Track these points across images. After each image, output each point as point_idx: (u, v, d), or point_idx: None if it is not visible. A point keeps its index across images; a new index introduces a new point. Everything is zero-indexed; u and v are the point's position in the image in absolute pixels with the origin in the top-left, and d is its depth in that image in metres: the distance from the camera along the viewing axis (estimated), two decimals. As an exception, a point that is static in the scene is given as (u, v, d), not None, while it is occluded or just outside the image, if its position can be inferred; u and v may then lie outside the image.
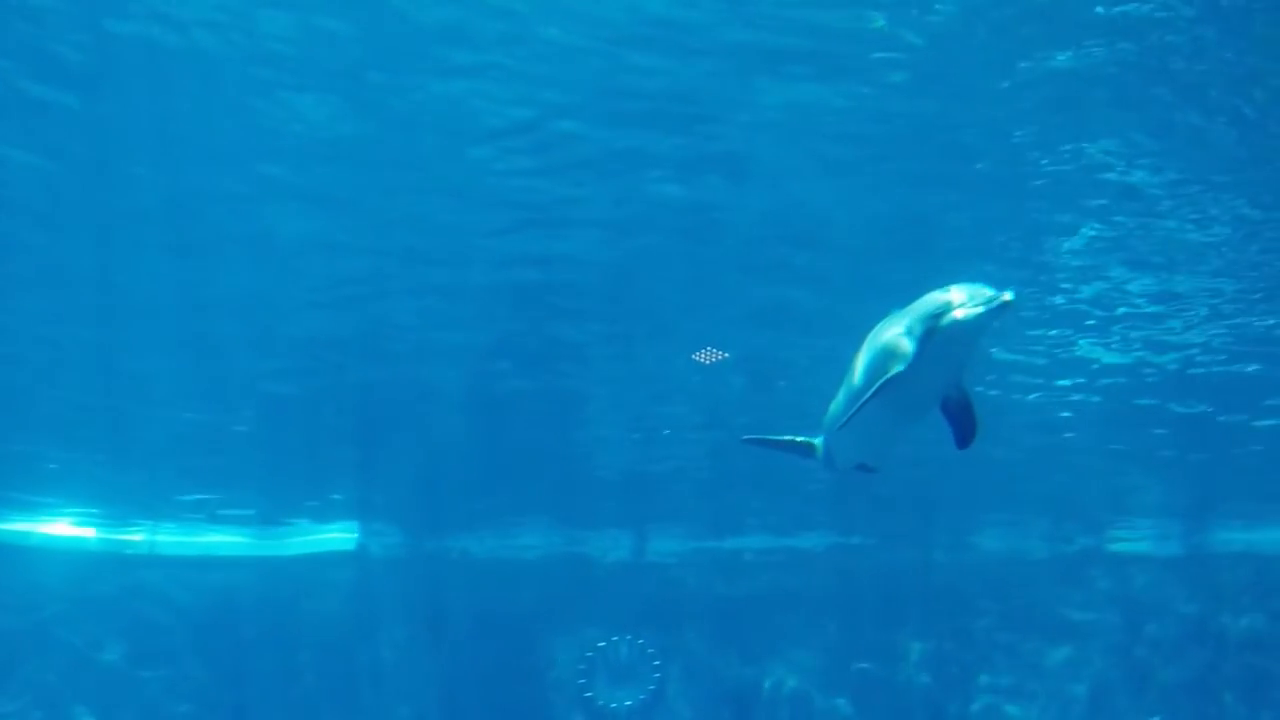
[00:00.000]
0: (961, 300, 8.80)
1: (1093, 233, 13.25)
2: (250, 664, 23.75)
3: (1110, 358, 16.37)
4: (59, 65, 10.58)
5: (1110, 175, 12.14)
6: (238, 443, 19.51)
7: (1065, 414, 18.22)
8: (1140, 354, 16.24)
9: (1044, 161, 11.93)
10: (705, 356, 17.25)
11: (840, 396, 10.40)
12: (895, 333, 9.28)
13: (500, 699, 23.98)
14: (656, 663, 24.26)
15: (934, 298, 9.05)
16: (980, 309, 8.68)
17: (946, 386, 9.38)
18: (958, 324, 8.77)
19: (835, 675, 24.47)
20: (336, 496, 22.74)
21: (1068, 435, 18.95)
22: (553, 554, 24.91)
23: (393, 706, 24.19)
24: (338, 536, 24.55)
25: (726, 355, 17.12)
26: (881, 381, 9.16)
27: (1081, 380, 17.06)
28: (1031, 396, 17.65)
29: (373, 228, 13.33)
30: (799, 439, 12.01)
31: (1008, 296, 8.66)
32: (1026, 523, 23.85)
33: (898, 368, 9.14)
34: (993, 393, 17.12)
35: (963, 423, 9.52)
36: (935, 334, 8.89)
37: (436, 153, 12.01)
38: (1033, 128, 11.44)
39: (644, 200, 12.75)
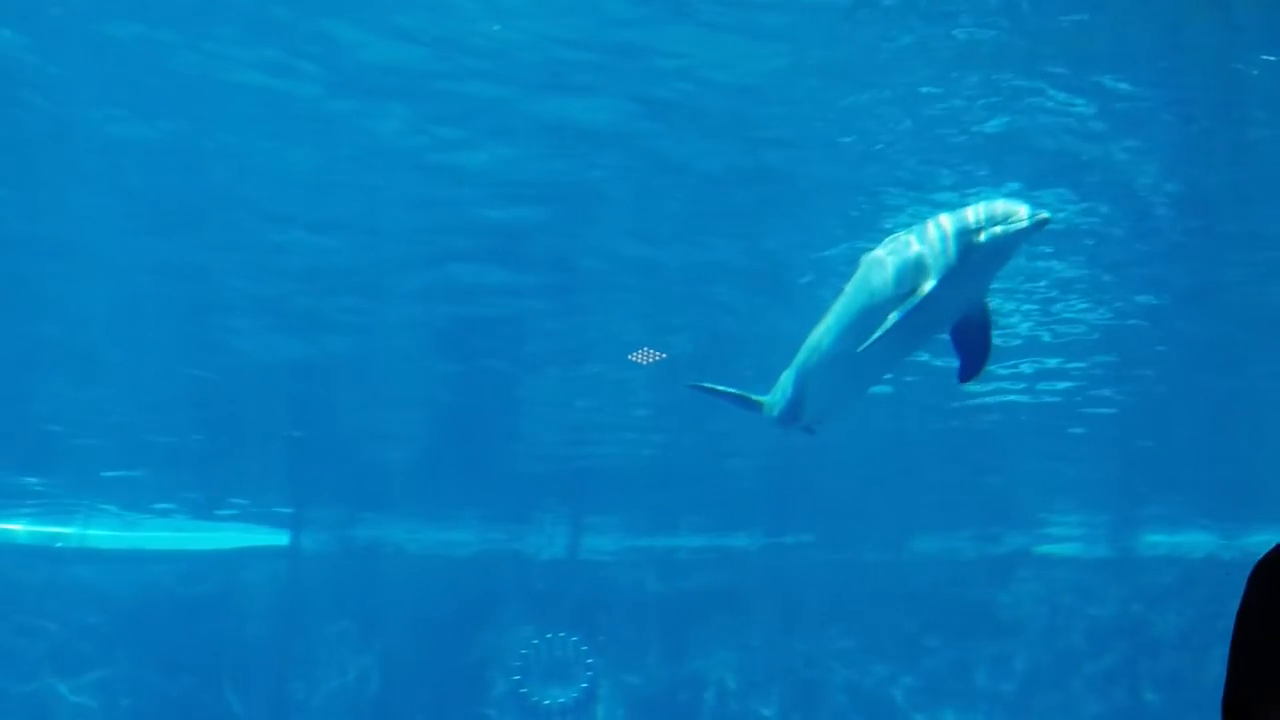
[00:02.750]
0: (999, 215, 8.70)
1: None
2: (179, 660, 23.58)
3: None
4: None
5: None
6: (166, 434, 19.33)
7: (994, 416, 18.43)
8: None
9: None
10: (642, 357, 17.30)
11: (830, 329, 10.14)
12: (922, 249, 9.10)
13: (434, 696, 23.95)
14: (590, 660, 24.32)
15: (967, 213, 8.92)
16: (1020, 225, 8.58)
17: (967, 307, 9.20)
18: (996, 239, 8.65)
19: (768, 674, 24.63)
20: (269, 491, 22.61)
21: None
22: (487, 551, 24.90)
23: (325, 703, 24.09)
24: (269, 531, 24.41)
25: (664, 355, 17.17)
26: (918, 298, 8.92)
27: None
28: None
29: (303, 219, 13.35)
30: (747, 394, 11.95)
31: (1045, 215, 8.60)
32: (957, 524, 24.14)
33: (930, 284, 8.96)
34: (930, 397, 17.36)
35: (977, 347, 9.35)
36: (972, 250, 8.75)
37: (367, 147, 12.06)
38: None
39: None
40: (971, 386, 17.18)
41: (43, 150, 11.85)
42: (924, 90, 10.66)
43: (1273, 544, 2.31)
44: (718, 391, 12.72)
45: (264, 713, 23.80)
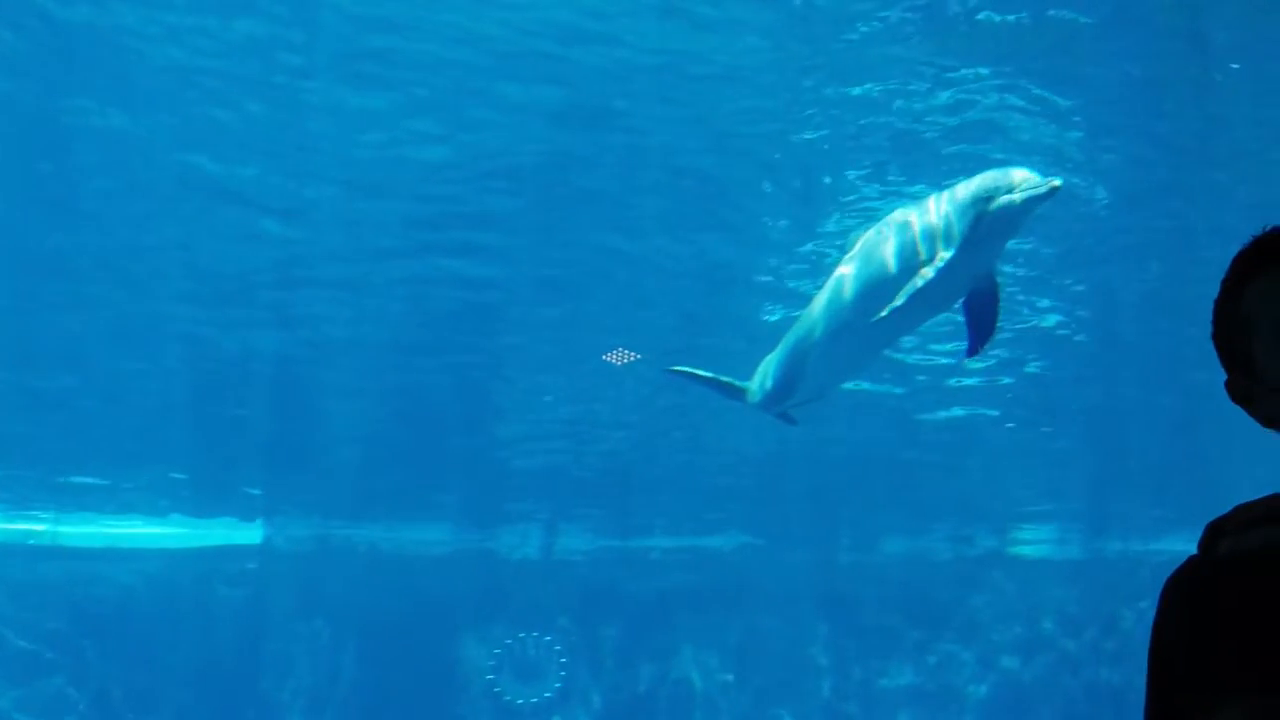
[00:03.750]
0: (1011, 183, 8.69)
1: None
2: (152, 657, 23.46)
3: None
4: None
5: None
6: (141, 430, 19.23)
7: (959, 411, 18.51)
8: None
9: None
10: (618, 357, 17.32)
11: (837, 302, 10.04)
12: (936, 217, 9.09)
13: (407, 695, 23.89)
14: (563, 660, 24.31)
15: (978, 181, 8.92)
16: (1031, 192, 8.57)
17: (977, 277, 9.19)
18: (1009, 207, 8.64)
19: (741, 675, 24.65)
20: (242, 489, 22.51)
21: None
22: (461, 550, 24.87)
23: (298, 703, 24.01)
24: (243, 529, 24.31)
25: (640, 355, 17.20)
26: (940, 265, 8.89)
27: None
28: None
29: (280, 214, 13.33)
30: (729, 380, 11.88)
31: (1056, 182, 8.59)
32: (930, 526, 24.21)
33: (947, 253, 8.97)
34: (898, 390, 17.41)
35: (985, 317, 9.31)
36: (985, 217, 8.74)
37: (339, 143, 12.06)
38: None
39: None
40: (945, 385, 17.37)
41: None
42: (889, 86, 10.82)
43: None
44: (697, 376, 12.63)
45: (233, 712, 23.71)
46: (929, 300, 9.31)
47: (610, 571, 24.96)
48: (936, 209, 9.10)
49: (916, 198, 10.92)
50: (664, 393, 18.16)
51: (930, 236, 9.06)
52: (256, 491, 22.82)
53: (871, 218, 11.27)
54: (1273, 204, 11.78)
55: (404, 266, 14.44)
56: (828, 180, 12.41)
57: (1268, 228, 2.35)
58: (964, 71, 10.69)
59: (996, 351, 16.14)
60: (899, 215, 9.55)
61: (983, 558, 25.31)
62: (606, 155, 12.22)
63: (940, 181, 11.13)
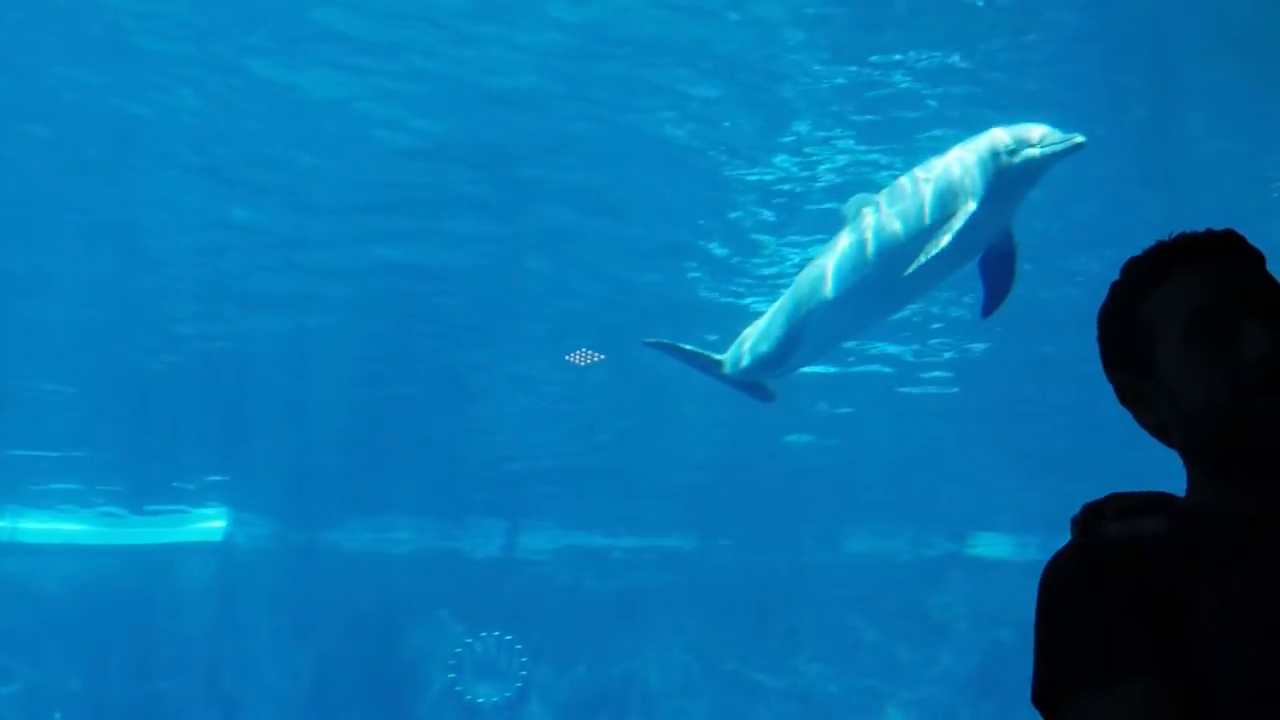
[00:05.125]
0: (1032, 138, 8.69)
1: None
2: (110, 656, 23.34)
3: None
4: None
5: None
6: (100, 424, 19.11)
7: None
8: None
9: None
10: (580, 358, 17.35)
11: (848, 260, 9.95)
12: (958, 171, 9.05)
13: (369, 694, 23.84)
14: (525, 659, 24.31)
15: (999, 135, 8.90)
16: (1054, 147, 8.59)
17: (995, 234, 9.16)
18: (1031, 161, 8.66)
19: (702, 674, 24.71)
20: (204, 485, 22.40)
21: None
22: (424, 548, 24.81)
23: (259, 701, 23.93)
24: (204, 526, 24.20)
25: (602, 356, 17.23)
26: (964, 220, 8.84)
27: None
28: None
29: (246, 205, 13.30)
30: (705, 352, 11.84)
31: (1079, 138, 8.60)
32: (893, 527, 24.30)
33: (970, 206, 8.90)
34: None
35: (1001, 276, 9.30)
36: (1007, 172, 8.74)
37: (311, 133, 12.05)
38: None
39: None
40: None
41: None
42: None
43: None
44: (673, 348, 12.57)
45: (196, 711, 23.62)
46: (949, 256, 9.27)
47: (574, 570, 24.97)
48: (958, 164, 9.09)
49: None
50: (632, 390, 18.22)
51: (953, 191, 9.05)
52: (216, 488, 22.72)
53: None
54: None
55: (363, 259, 14.43)
56: None
57: (1173, 234, 2.38)
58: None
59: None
60: (920, 171, 9.54)
61: (942, 559, 25.44)
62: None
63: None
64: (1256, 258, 2.34)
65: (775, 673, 24.85)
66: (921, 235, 9.23)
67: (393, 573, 24.48)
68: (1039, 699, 2.18)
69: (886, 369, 17.30)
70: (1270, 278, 2.32)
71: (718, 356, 11.68)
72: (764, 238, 14.16)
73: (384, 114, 11.76)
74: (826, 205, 12.60)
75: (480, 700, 24.24)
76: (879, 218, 9.67)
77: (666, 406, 18.50)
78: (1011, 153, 8.75)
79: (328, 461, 20.85)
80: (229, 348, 16.71)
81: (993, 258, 9.28)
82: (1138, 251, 2.42)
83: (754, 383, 11.61)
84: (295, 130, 12.02)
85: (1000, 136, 8.91)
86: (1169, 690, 2.06)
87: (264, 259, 14.51)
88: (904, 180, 9.63)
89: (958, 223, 8.89)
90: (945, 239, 8.93)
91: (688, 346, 12.21)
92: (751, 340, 11.27)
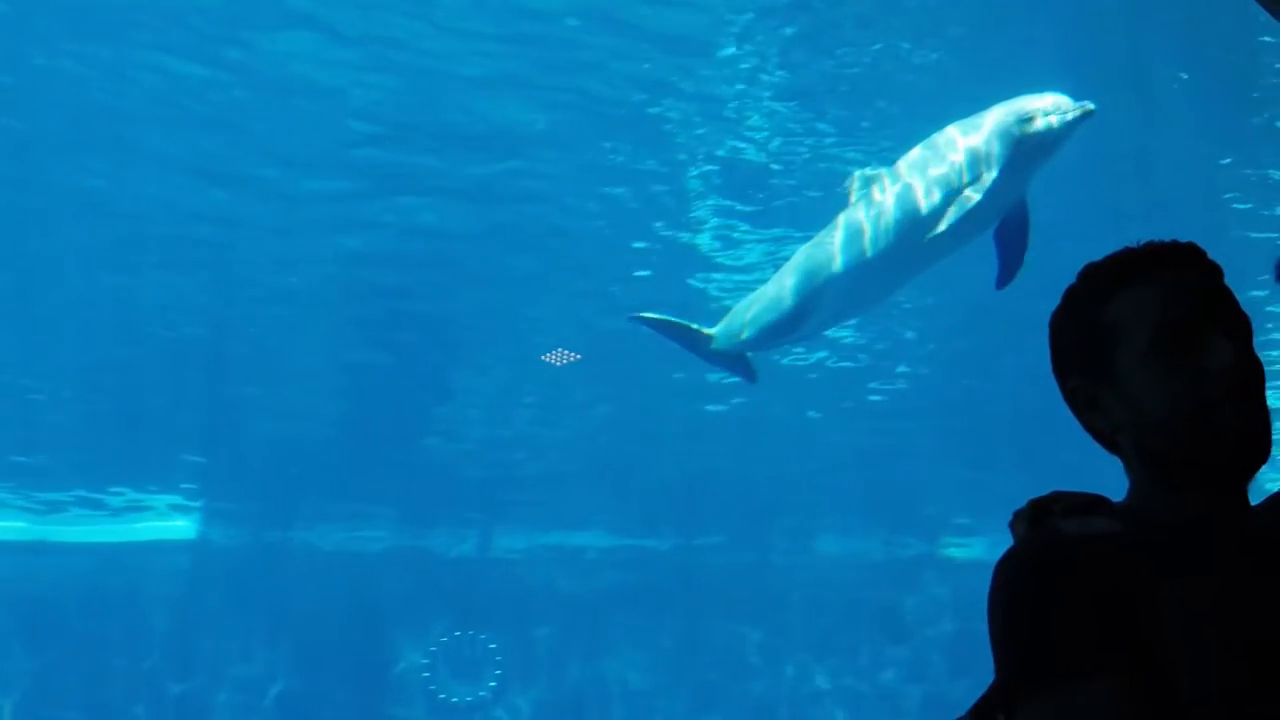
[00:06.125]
0: (1047, 107, 8.78)
1: None
2: (80, 656, 23.21)
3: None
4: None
5: None
6: (68, 418, 18.97)
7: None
8: None
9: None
10: (556, 358, 17.34)
11: (869, 226, 9.96)
12: (978, 140, 9.12)
13: (342, 694, 23.75)
14: (499, 659, 24.29)
15: (1014, 105, 8.99)
16: (1069, 115, 8.69)
17: (1009, 206, 9.21)
18: (1048, 130, 8.74)
19: (675, 674, 24.72)
20: (178, 483, 22.29)
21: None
22: (397, 547, 24.74)
23: (231, 700, 23.84)
24: (177, 525, 24.08)
25: (579, 356, 17.22)
26: (985, 188, 8.94)
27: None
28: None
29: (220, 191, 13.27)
30: (694, 326, 11.75)
31: (1090, 105, 8.69)
32: (864, 528, 24.37)
33: (991, 175, 9.01)
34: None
35: (1016, 247, 9.36)
36: (1025, 141, 8.84)
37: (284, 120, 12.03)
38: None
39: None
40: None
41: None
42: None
43: None
44: (659, 323, 12.52)
45: (166, 711, 23.51)
46: (967, 226, 9.34)
47: (546, 570, 24.95)
48: (977, 133, 9.16)
49: None
50: (603, 391, 18.23)
51: (973, 160, 9.11)
52: (192, 498, 22.63)
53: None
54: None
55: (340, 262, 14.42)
56: None
57: (1139, 242, 2.41)
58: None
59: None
60: (937, 139, 9.59)
61: (915, 559, 25.51)
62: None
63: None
64: (1216, 270, 2.39)
65: (750, 672, 24.88)
66: (942, 204, 9.31)
67: (367, 572, 24.40)
68: (1006, 692, 2.20)
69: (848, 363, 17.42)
70: (1229, 290, 2.38)
71: (707, 331, 11.58)
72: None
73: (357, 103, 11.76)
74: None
75: (455, 700, 24.20)
76: (898, 187, 9.74)
77: (641, 404, 18.58)
78: (1029, 122, 8.83)
79: (301, 458, 20.78)
80: (199, 336, 16.59)
81: (1008, 228, 9.35)
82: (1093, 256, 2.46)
83: (741, 359, 11.54)
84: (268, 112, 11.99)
85: (1017, 107, 9.00)
86: (1139, 685, 2.11)
87: (241, 249, 14.48)
88: (921, 150, 9.69)
89: (975, 193, 8.98)
90: (967, 207, 9.02)
91: (674, 320, 12.12)
92: (755, 311, 11.18)
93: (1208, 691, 2.12)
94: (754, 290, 11.82)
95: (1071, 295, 2.45)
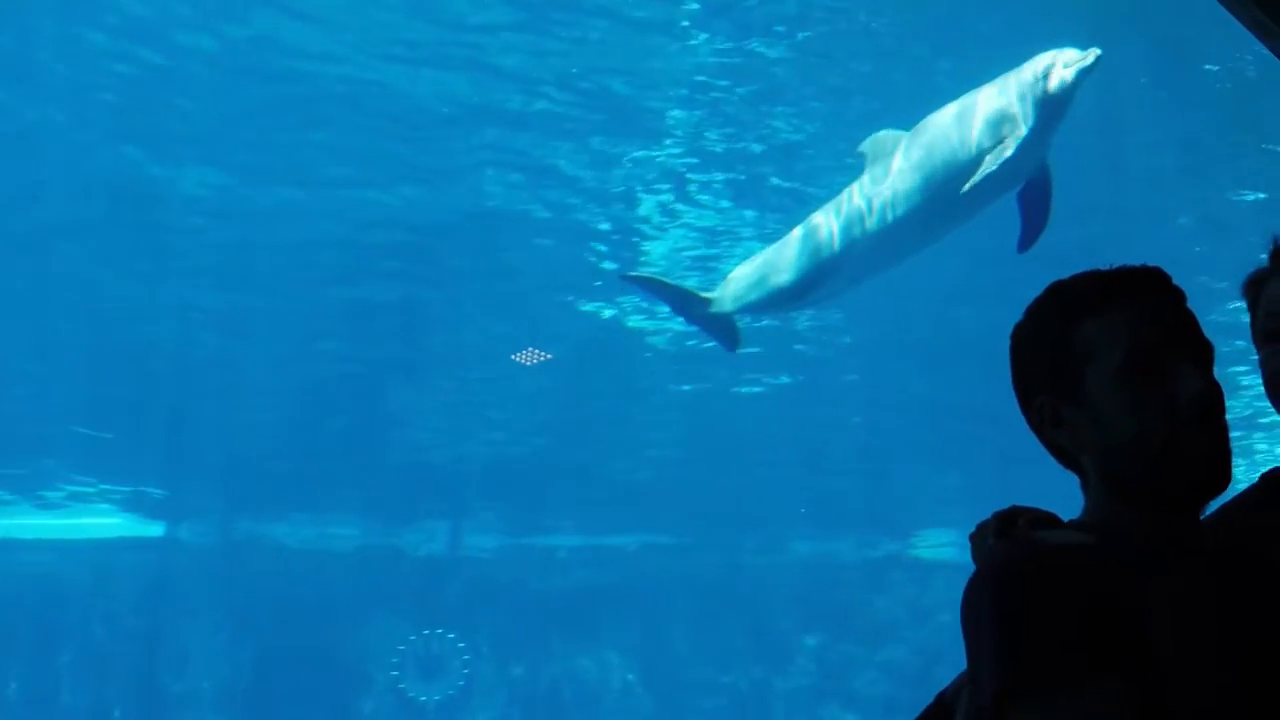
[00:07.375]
0: (1057, 61, 8.80)
1: None
2: (46, 653, 23.09)
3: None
4: None
5: None
6: (33, 413, 18.85)
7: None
8: None
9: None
10: (526, 357, 17.31)
11: (893, 187, 9.89)
12: (1002, 98, 9.12)
13: (310, 691, 23.66)
14: (467, 657, 24.24)
15: (1026, 67, 8.99)
16: (1080, 64, 8.71)
17: (1032, 168, 9.20)
18: (1065, 83, 8.74)
19: (644, 673, 24.73)
20: (143, 480, 22.18)
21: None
22: (366, 545, 24.68)
23: (199, 698, 23.73)
24: (144, 521, 23.98)
25: (550, 356, 17.19)
26: (1018, 142, 8.90)
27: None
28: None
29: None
30: (688, 289, 11.53)
31: (1097, 51, 8.69)
32: (837, 528, 24.43)
33: (1021, 133, 8.98)
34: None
35: (1040, 208, 9.35)
36: (1048, 96, 8.83)
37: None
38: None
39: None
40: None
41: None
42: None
43: None
44: (651, 282, 12.29)
45: (134, 709, 23.40)
46: (994, 185, 9.32)
47: (517, 569, 24.93)
48: (1001, 91, 9.18)
49: None
50: (573, 390, 18.20)
51: (1000, 117, 9.13)
52: (160, 494, 22.53)
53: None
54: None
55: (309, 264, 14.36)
56: None
57: (1114, 266, 2.42)
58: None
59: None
60: (962, 100, 9.58)
61: (885, 560, 25.59)
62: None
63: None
64: (1181, 295, 2.42)
65: (720, 671, 24.91)
66: (972, 162, 9.29)
67: (335, 570, 24.34)
68: (999, 700, 2.17)
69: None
70: (1194, 316, 2.41)
71: (704, 294, 11.38)
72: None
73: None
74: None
75: (423, 698, 24.14)
76: (923, 146, 9.71)
77: (613, 405, 18.57)
78: (1047, 77, 8.87)
79: (269, 455, 20.69)
80: (163, 333, 16.51)
81: (1031, 191, 9.38)
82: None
83: (731, 326, 11.37)
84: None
85: (1039, 62, 9.02)
86: (1134, 689, 2.13)
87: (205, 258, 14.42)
88: (947, 111, 9.66)
89: (1008, 148, 8.99)
90: (996, 165, 9.03)
91: (668, 281, 11.95)
92: (765, 274, 10.98)
93: (1198, 693, 2.15)
94: (751, 255, 11.67)
95: (1039, 313, 2.45)
